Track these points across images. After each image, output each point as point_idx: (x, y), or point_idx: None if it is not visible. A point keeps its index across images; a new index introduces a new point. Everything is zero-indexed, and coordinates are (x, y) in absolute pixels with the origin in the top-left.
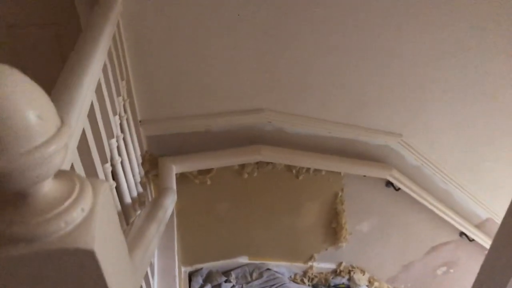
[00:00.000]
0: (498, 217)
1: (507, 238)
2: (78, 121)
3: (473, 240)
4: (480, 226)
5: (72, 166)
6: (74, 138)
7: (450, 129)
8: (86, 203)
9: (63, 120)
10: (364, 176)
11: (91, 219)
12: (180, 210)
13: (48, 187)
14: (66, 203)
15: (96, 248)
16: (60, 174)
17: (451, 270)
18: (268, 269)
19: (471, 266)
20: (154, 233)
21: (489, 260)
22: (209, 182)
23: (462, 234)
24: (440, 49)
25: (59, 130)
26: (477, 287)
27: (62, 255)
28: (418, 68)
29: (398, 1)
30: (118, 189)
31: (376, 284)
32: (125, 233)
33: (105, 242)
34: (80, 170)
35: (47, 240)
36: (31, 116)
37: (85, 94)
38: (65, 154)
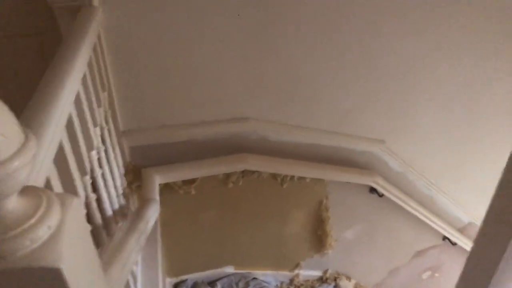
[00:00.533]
0: (480, 221)
1: (486, 241)
2: (55, 133)
3: (455, 244)
4: (462, 230)
5: (47, 180)
6: (50, 150)
7: (433, 135)
8: (52, 220)
9: (27, 136)
10: (348, 183)
11: (58, 236)
12: (165, 220)
13: (13, 204)
14: (32, 221)
15: (63, 265)
16: (25, 190)
17: (436, 274)
18: (255, 278)
19: (455, 269)
20: (134, 245)
21: (469, 263)
22: (193, 192)
23: (445, 238)
24: (421, 56)
25: (23, 146)
26: None
27: (28, 273)
28: (400, 75)
29: (380, 9)
30: (99, 201)
31: None
32: (105, 246)
33: (75, 259)
34: (56, 183)
35: (11, 258)
36: None
37: (62, 106)
38: (29, 170)
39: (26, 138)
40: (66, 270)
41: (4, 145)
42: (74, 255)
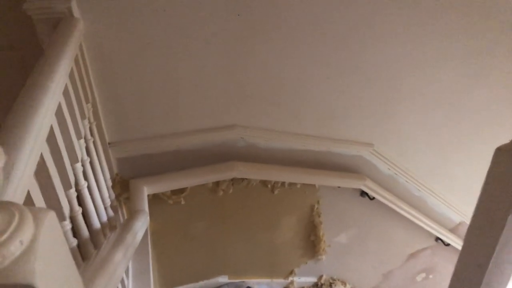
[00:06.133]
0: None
1: (475, 240)
2: (35, 145)
3: (448, 244)
4: (454, 230)
5: (28, 194)
6: (30, 164)
7: (421, 137)
8: (25, 235)
9: None
10: (339, 187)
11: (31, 251)
12: (155, 231)
13: None
14: (3, 237)
15: (38, 282)
16: None
17: (430, 276)
18: (249, 287)
19: (448, 270)
20: (121, 258)
21: (460, 262)
22: (183, 202)
23: (437, 239)
24: (406, 59)
25: None
26: None
27: None
28: (386, 78)
29: (364, 15)
30: (85, 214)
31: None
32: (91, 259)
33: (50, 275)
34: (38, 196)
35: None
36: None
37: (42, 118)
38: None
39: None
40: (41, 286)
41: None
42: (50, 270)
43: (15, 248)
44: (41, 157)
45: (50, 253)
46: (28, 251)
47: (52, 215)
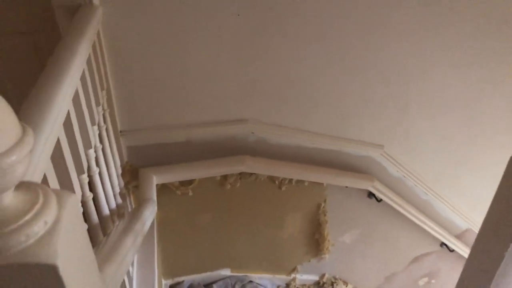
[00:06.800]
0: (477, 228)
1: (484, 247)
2: (53, 130)
3: (453, 250)
4: (460, 236)
5: (44, 176)
6: (48, 147)
7: (431, 141)
8: (49, 215)
9: (25, 130)
10: (347, 187)
11: (54, 232)
12: (161, 221)
13: (9, 199)
14: (28, 216)
15: (59, 262)
16: (22, 186)
17: (433, 281)
18: (251, 281)
19: (451, 276)
20: (130, 246)
21: (467, 270)
22: (191, 193)
23: (442, 244)
24: (419, 61)
25: (20, 140)
26: None
27: (23, 270)
28: (399, 80)
29: (378, 13)
30: (95, 200)
31: None
32: (101, 245)
33: (71, 256)
34: (53, 180)
35: (6, 254)
36: None
37: (60, 103)
38: (27, 165)
39: (24, 133)
40: (61, 267)
41: (0, 139)
42: (70, 252)
43: (38, 228)
44: (58, 141)
45: (71, 234)
46: (51, 232)
47: (74, 198)
